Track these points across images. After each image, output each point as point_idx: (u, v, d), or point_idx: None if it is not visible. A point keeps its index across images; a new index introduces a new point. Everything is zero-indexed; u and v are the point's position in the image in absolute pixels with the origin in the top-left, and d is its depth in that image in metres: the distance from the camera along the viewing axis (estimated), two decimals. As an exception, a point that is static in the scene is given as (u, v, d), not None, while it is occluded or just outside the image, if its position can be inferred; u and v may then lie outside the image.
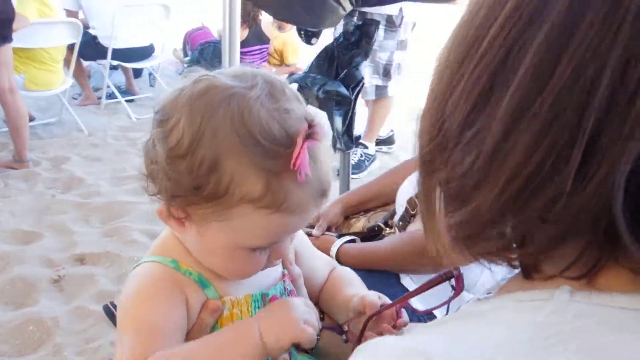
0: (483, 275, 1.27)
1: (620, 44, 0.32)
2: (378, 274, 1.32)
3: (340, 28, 2.13)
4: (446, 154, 0.41)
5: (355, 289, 0.90)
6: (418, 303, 0.87)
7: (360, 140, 3.81)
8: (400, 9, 3.43)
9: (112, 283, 2.51)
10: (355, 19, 2.08)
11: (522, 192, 0.36)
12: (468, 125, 0.39)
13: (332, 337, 0.86)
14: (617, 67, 0.32)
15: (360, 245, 1.44)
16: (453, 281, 0.71)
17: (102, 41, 4.77)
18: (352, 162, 3.44)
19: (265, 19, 5.69)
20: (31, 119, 4.28)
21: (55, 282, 2.52)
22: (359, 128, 2.95)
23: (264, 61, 6.36)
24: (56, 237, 2.89)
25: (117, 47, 4.77)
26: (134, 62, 5.11)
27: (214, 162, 0.65)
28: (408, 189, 1.42)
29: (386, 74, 3.68)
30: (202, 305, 0.76)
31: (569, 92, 0.33)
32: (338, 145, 2.15)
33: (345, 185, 2.48)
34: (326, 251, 1.34)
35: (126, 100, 5.05)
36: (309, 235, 1.47)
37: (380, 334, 0.79)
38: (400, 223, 1.41)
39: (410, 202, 1.37)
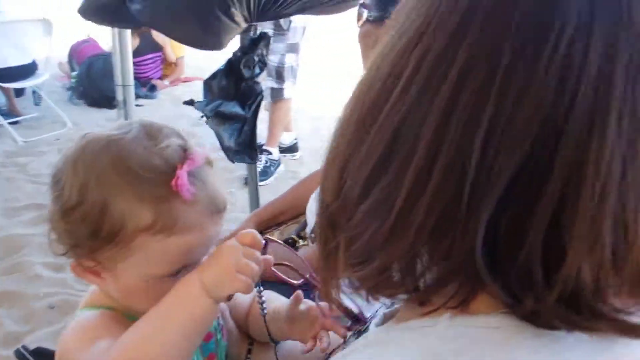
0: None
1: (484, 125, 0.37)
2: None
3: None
4: (348, 215, 0.44)
5: (279, 302, 0.94)
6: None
7: (263, 147, 3.85)
8: (288, 14, 3.51)
9: (17, 324, 2.35)
10: (251, 33, 2.11)
11: (428, 243, 0.41)
12: (369, 189, 0.42)
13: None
14: (483, 154, 0.37)
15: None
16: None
17: (-24, 62, 4.43)
18: (258, 169, 3.46)
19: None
20: None
21: (-47, 331, 2.33)
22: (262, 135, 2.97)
23: (158, 70, 6.18)
24: (-53, 282, 2.66)
25: (-7, 67, 4.43)
26: (14, 82, 4.76)
27: (104, 205, 0.71)
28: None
29: (279, 76, 3.77)
30: None
31: (450, 169, 0.39)
32: (238, 158, 2.17)
33: (254, 194, 2.52)
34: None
35: (9, 123, 4.68)
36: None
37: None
38: (312, 235, 1.47)
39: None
